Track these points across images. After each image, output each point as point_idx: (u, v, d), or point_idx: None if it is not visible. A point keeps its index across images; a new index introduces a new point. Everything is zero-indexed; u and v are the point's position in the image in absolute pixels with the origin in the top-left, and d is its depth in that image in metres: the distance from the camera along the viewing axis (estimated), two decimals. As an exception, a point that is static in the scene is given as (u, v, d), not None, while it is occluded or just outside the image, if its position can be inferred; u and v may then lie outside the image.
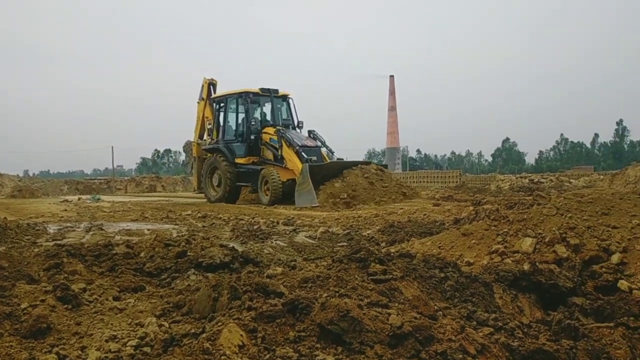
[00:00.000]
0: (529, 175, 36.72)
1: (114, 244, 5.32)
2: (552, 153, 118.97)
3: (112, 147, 54.54)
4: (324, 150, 17.29)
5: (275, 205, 15.12)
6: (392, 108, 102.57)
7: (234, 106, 18.28)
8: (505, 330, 2.59)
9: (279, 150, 16.34)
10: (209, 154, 18.79)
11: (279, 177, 15.74)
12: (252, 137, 17.24)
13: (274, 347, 2.26)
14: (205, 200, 18.38)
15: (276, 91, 17.97)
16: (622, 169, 24.16)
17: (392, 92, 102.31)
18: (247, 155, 17.39)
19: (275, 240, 7.21)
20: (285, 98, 18.39)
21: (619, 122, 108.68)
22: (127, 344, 2.51)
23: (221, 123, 18.59)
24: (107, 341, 2.59)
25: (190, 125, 20.26)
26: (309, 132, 17.86)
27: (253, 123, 17.19)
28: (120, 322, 2.96)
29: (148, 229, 8.67)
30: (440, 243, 4.51)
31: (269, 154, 16.97)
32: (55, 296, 3.15)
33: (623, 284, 3.46)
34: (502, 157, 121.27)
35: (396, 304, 2.61)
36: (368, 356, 2.23)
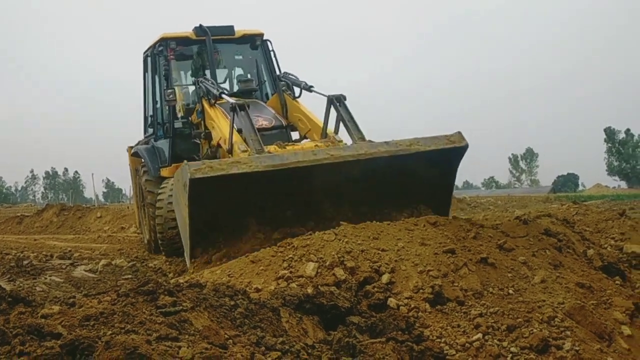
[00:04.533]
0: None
1: None
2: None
3: None
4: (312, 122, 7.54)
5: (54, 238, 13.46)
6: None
7: (151, 72, 9.62)
8: (291, 353, 2.73)
9: (202, 126, 8.07)
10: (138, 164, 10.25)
11: (168, 193, 7.64)
12: (179, 124, 8.86)
13: (51, 394, 2.07)
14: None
15: (227, 30, 9.03)
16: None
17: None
18: (174, 160, 8.48)
19: (50, 276, 6.59)
20: (253, 42, 9.19)
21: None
22: None
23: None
24: None
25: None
26: (278, 77, 8.44)
27: (170, 97, 8.35)
28: None
29: None
30: (229, 271, 4.56)
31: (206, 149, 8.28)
32: None
33: (392, 302, 3.87)
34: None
35: (187, 336, 2.58)
36: (157, 393, 2.17)
